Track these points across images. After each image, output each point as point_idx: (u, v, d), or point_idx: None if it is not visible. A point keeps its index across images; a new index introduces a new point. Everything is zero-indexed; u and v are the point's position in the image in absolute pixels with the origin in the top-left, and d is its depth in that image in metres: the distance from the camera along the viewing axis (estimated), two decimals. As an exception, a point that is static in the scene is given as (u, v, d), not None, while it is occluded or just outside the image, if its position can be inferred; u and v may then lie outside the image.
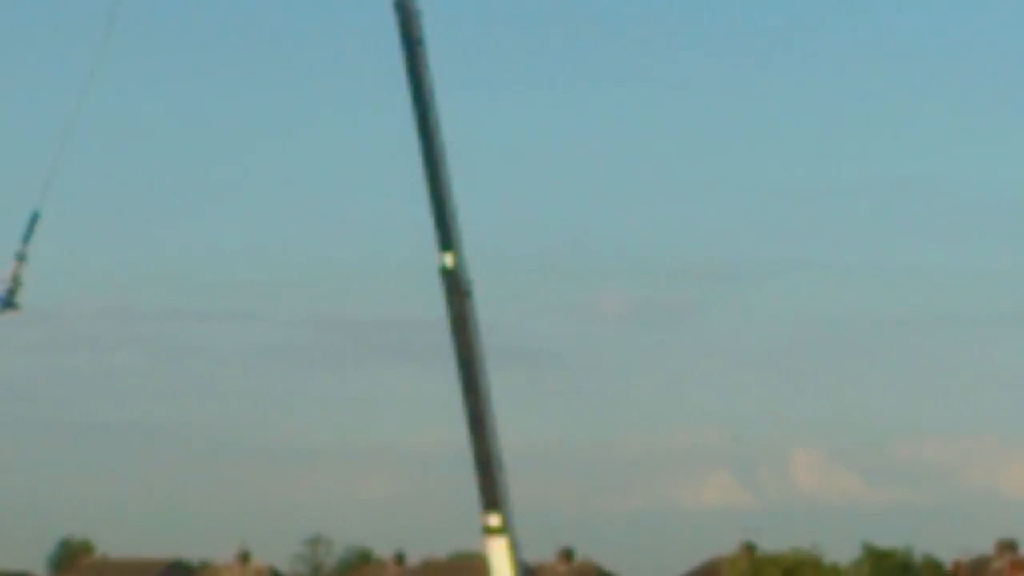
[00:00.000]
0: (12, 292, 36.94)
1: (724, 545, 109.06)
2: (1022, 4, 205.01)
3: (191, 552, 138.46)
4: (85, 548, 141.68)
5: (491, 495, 39.13)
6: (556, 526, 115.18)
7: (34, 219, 37.76)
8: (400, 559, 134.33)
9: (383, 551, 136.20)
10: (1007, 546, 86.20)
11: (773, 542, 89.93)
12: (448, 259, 38.48)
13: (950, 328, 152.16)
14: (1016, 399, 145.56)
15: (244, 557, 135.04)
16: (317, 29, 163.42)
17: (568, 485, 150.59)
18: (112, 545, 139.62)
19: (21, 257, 37.02)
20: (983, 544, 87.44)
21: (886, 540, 74.32)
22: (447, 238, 38.46)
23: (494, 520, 39.09)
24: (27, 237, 37.85)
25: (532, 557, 60.51)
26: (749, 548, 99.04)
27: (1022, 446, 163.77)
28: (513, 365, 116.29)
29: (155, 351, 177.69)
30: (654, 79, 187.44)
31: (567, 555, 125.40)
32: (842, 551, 74.47)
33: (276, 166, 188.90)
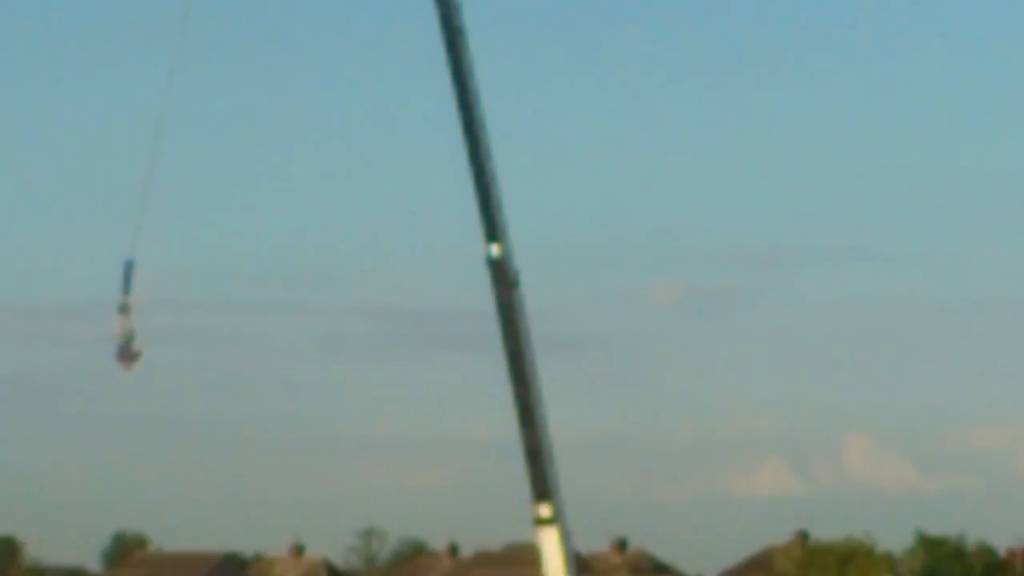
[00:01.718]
0: (127, 346, 37.34)
1: (778, 534, 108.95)
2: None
3: (245, 545, 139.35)
4: (139, 542, 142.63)
5: (542, 485, 39.15)
6: (609, 516, 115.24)
7: (128, 268, 38.15)
8: (454, 550, 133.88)
9: (436, 543, 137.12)
10: None
11: (826, 531, 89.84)
12: (495, 249, 38.69)
13: (1002, 315, 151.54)
14: None
15: (298, 550, 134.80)
16: (362, 21, 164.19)
17: (621, 475, 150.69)
18: (166, 539, 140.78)
19: (124, 309, 37.50)
20: None
21: (939, 528, 74.07)
22: (493, 228, 38.77)
23: (545, 510, 39.17)
24: (126, 288, 38.23)
25: (585, 547, 60.73)
26: (803, 537, 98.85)
27: None
28: (563, 354, 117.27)
29: (206, 344, 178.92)
30: (702, 67, 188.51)
31: (620, 545, 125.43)
32: (895, 539, 74.38)
33: (324, 157, 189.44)
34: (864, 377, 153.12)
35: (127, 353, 37.42)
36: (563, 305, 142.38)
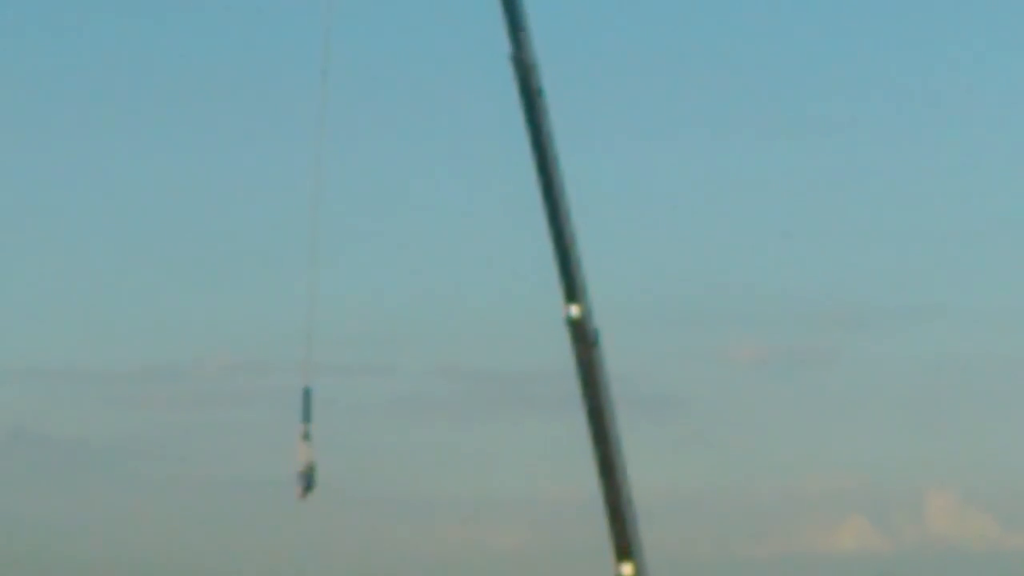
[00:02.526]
0: (310, 476, 39.19)
1: None
2: None
3: None
4: None
5: (623, 544, 39.67)
6: (690, 573, 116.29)
7: (307, 396, 39.70)
8: None
9: None
10: None
11: None
12: (574, 309, 39.23)
13: None
14: None
15: None
16: (443, 83, 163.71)
17: (703, 534, 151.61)
18: None
19: (306, 436, 39.25)
20: None
21: None
22: (572, 288, 39.22)
23: (628, 570, 39.81)
24: (306, 416, 39.84)
25: None
26: None
27: None
28: (646, 415, 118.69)
29: (289, 406, 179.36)
30: (782, 123, 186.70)
31: None
32: None
33: (403, 219, 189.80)
34: (945, 433, 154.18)
35: (306, 481, 39.29)
36: (646, 366, 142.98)
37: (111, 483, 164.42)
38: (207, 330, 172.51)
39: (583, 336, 38.99)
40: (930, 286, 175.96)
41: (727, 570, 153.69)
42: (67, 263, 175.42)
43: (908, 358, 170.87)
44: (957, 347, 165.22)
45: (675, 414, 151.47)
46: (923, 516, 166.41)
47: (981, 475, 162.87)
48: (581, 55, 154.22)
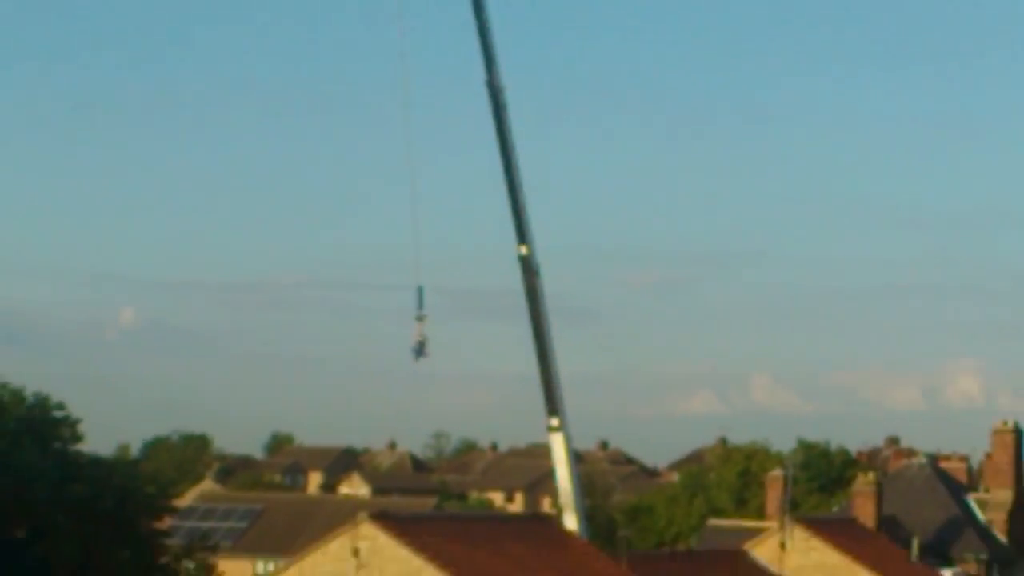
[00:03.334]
0: (422, 345, 45.62)
1: (707, 440, 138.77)
2: None
3: (357, 442, 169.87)
4: (288, 439, 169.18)
5: (553, 405, 47.65)
6: (596, 426, 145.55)
7: (420, 292, 46.09)
8: (494, 447, 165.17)
9: (483, 442, 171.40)
10: (892, 441, 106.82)
11: (738, 437, 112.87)
12: (523, 249, 47.28)
13: (855, 301, 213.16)
14: (894, 341, 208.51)
15: (392, 445, 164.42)
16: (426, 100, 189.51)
17: (606, 401, 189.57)
18: (305, 436, 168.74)
19: (420, 318, 45.55)
20: (876, 439, 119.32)
21: (813, 436, 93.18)
22: (523, 234, 47.27)
23: (555, 422, 47.98)
24: (420, 304, 46.08)
25: (580, 446, 75.61)
26: (723, 441, 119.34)
27: (902, 373, 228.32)
28: (569, 321, 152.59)
29: (340, 313, 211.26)
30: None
31: (604, 445, 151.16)
32: (784, 444, 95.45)
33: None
34: (766, 338, 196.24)
35: (421, 351, 45.60)
36: (572, 288, 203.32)
37: (218, 360, 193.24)
38: (283, 252, 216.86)
39: (529, 268, 47.03)
40: (759, 236, 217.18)
41: (622, 424, 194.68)
42: (203, 198, 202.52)
43: (745, 285, 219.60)
44: (776, 279, 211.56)
45: (590, 321, 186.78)
46: (749, 391, 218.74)
47: (787, 365, 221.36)
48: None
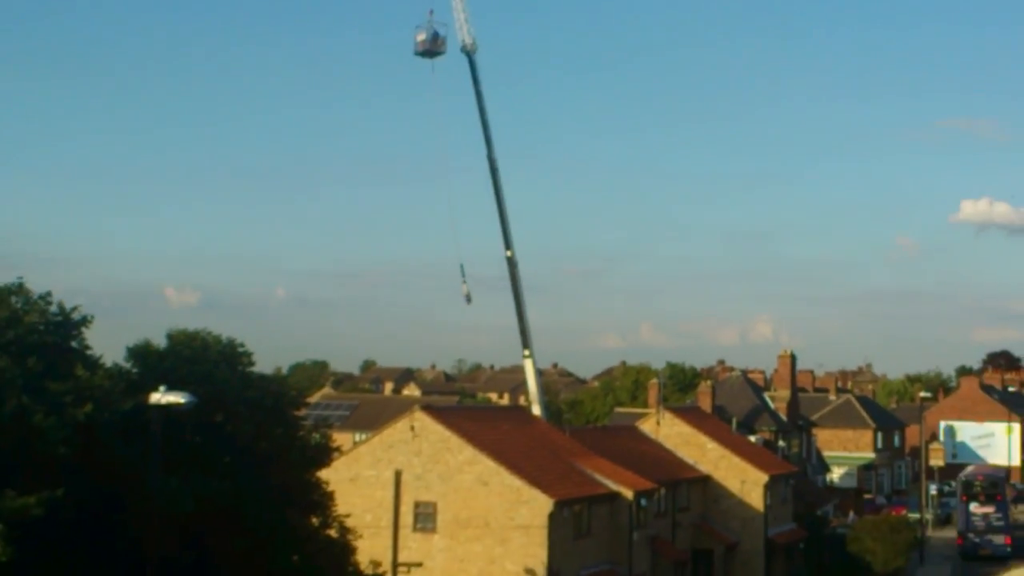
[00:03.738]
0: (468, 297, 46.97)
1: (614, 362, 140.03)
2: None
3: (413, 363, 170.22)
4: (373, 363, 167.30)
5: (525, 342, 48.39)
6: (551, 354, 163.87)
7: (462, 268, 46.69)
8: (492, 367, 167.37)
9: (486, 363, 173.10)
10: (721, 362, 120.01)
11: (632, 360, 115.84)
12: (508, 252, 47.94)
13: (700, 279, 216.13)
14: (723, 304, 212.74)
15: (433, 366, 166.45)
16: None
17: (556, 339, 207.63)
18: (384, 360, 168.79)
19: (464, 282, 46.81)
20: (711, 362, 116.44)
21: (675, 360, 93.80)
22: (508, 242, 48.19)
23: (527, 352, 48.32)
24: (463, 275, 46.30)
25: (541, 366, 74.28)
26: (624, 363, 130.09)
27: (726, 323, 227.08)
28: (533, 294, 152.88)
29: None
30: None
31: (555, 365, 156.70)
32: (659, 365, 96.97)
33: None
34: (646, 303, 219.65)
35: (469, 300, 46.48)
36: (536, 272, 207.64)
37: (334, 319, 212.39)
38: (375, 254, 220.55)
39: (511, 262, 48.74)
40: (634, 243, 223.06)
41: (566, 352, 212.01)
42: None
43: (631, 272, 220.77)
44: (649, 268, 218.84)
45: (546, 295, 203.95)
46: (639, 334, 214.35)
47: (661, 318, 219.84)
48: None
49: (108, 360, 24.78)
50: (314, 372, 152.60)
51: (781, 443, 66.04)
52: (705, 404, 60.90)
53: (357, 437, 69.47)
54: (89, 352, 24.01)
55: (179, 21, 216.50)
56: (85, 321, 23.23)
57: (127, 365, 25.51)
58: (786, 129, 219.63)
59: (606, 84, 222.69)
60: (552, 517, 35.37)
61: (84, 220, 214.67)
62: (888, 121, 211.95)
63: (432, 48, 46.53)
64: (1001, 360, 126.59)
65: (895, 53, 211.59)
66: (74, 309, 23.16)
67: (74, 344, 23.28)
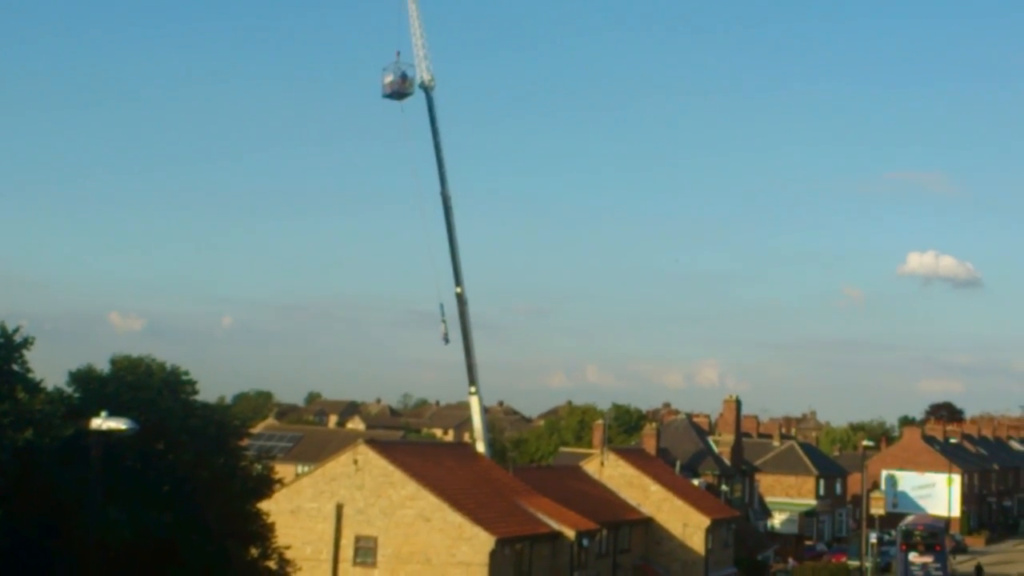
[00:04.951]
0: (446, 336, 47.46)
1: (560, 401, 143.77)
2: None
3: (358, 397, 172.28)
4: (318, 395, 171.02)
5: (472, 378, 48.72)
6: (497, 391, 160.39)
7: (441, 308, 47.23)
8: (438, 403, 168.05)
9: (431, 399, 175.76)
10: (666, 405, 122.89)
11: (578, 400, 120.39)
12: (458, 289, 48.46)
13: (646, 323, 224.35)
14: (668, 347, 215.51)
15: (378, 400, 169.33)
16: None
17: (502, 376, 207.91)
18: (328, 393, 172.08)
19: (443, 321, 46.95)
20: (657, 404, 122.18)
21: (621, 401, 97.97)
22: (458, 279, 48.52)
23: (473, 389, 48.68)
24: (442, 314, 46.75)
25: (487, 403, 73.67)
26: (570, 403, 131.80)
27: (672, 366, 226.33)
28: (482, 331, 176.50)
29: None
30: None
31: (500, 403, 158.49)
32: (604, 405, 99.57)
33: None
34: (592, 343, 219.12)
35: (447, 339, 46.71)
36: (485, 312, 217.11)
37: (278, 348, 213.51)
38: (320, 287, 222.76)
39: (461, 299, 49.19)
40: (581, 285, 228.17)
41: (511, 391, 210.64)
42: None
43: (577, 313, 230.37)
44: (593, 311, 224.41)
45: (494, 333, 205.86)
46: (585, 374, 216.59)
47: (607, 359, 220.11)
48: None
49: (49, 384, 24.35)
50: (258, 403, 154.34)
51: (724, 487, 66.52)
52: (650, 446, 61.11)
53: (300, 469, 68.86)
54: (31, 375, 23.44)
55: (132, 53, 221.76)
56: (26, 343, 23.09)
57: (69, 390, 25.30)
58: (736, 177, 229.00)
59: (557, 126, 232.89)
60: (493, 555, 35.16)
61: (27, 242, 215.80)
62: (838, 172, 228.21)
63: (400, 89, 46.44)
64: (943, 411, 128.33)
65: (845, 105, 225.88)
66: (15, 331, 23.20)
67: (15, 367, 23.11)
